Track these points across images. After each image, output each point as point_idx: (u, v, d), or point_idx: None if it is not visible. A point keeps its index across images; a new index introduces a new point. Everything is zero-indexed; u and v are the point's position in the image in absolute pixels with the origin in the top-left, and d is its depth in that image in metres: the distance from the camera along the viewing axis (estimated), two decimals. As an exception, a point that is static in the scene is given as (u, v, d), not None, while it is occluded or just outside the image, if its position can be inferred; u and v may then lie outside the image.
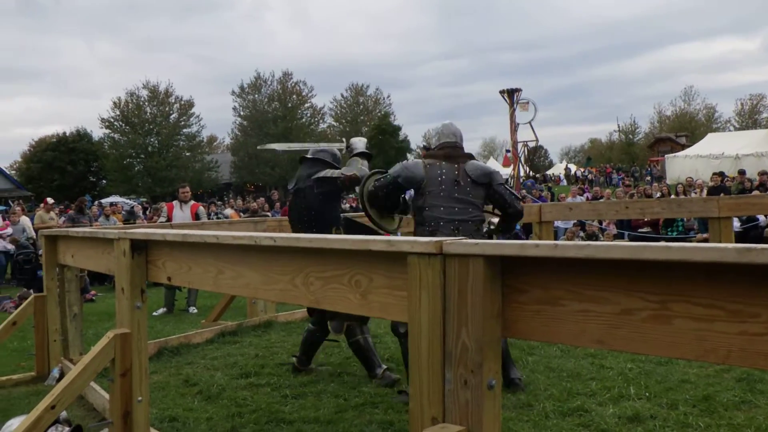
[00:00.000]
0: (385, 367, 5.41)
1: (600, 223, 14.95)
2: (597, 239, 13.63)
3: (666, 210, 9.19)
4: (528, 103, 31.01)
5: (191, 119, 52.35)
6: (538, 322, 1.84)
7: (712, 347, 1.53)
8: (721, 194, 12.92)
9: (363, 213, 5.44)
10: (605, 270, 1.69)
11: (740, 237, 12.14)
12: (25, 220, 15.79)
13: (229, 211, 20.46)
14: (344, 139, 6.02)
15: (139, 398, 3.74)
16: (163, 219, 10.72)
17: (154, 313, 8.98)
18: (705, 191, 17.20)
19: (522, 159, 31.95)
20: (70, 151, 51.38)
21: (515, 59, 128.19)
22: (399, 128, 56.01)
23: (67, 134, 53.88)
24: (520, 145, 31.57)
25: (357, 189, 5.49)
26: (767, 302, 1.44)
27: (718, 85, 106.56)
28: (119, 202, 31.16)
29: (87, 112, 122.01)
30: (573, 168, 57.19)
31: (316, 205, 5.48)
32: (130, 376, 3.73)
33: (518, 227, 15.89)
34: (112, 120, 50.36)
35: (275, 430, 4.34)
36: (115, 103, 50.43)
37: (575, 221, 14.39)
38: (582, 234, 14.56)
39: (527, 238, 12.23)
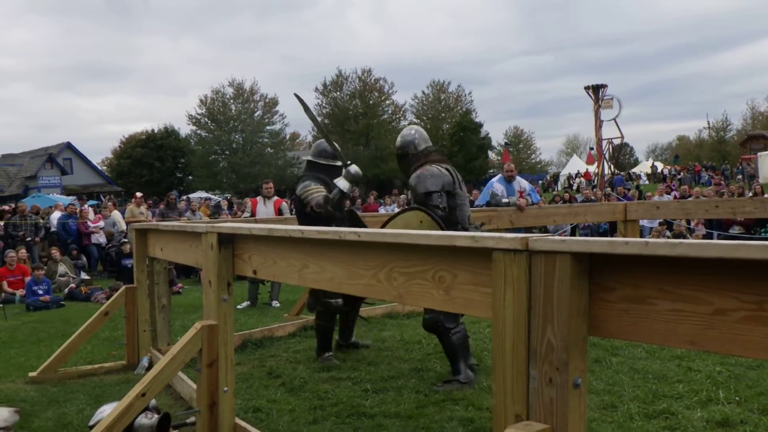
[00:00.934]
0: (330, 353, 6.02)
1: (688, 222, 14.49)
2: (685, 239, 13.21)
3: (759, 209, 8.86)
4: (612, 99, 30.26)
5: (275, 117, 53.26)
6: (627, 321, 1.80)
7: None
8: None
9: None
10: (698, 269, 1.64)
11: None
12: (116, 214, 16.46)
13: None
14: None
15: (225, 388, 3.81)
16: (247, 214, 10.96)
17: (238, 306, 9.19)
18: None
19: (606, 156, 31.13)
20: (158, 147, 52.88)
21: (600, 55, 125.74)
22: (480, 125, 55.32)
23: (156, 131, 55.50)
24: (604, 143, 30.80)
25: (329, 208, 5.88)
26: None
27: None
28: (208, 197, 31.97)
29: (174, 110, 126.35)
30: (660, 166, 55.46)
31: (300, 220, 6.15)
32: (217, 366, 3.80)
33: (604, 225, 15.52)
34: (198, 117, 51.78)
35: (356, 424, 4.37)
36: (201, 100, 51.90)
37: (661, 220, 14.00)
38: (668, 234, 14.16)
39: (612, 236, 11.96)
